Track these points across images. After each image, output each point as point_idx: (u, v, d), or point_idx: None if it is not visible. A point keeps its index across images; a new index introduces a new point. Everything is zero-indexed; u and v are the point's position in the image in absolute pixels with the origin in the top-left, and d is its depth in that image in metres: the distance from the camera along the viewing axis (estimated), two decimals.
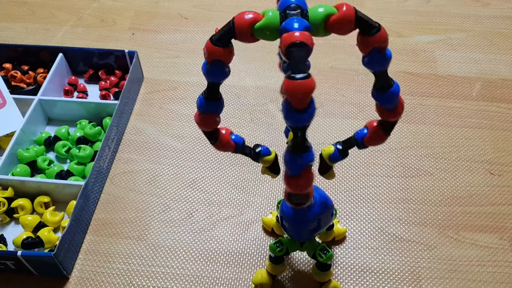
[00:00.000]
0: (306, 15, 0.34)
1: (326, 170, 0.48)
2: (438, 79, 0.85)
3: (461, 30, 0.94)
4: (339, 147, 0.45)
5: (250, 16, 0.35)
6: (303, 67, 0.31)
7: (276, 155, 0.48)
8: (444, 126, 0.77)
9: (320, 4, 0.35)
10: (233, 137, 0.45)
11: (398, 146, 0.74)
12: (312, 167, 0.40)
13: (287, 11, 0.34)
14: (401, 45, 0.91)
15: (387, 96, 0.38)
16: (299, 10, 0.34)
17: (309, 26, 0.33)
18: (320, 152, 0.47)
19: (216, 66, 0.37)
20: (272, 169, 0.49)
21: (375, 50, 0.35)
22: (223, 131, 0.44)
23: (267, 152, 0.47)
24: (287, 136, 0.51)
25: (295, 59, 0.31)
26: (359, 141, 0.44)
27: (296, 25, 0.33)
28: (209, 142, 0.44)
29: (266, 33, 0.35)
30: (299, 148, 0.35)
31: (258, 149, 0.46)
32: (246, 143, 0.47)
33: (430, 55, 0.89)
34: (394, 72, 0.85)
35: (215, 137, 0.44)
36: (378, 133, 0.42)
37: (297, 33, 0.32)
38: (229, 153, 0.74)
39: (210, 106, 0.40)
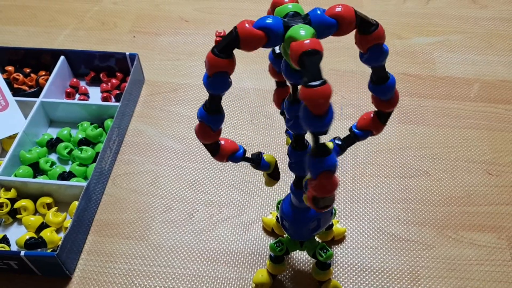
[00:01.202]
0: (308, 20, 0.34)
1: None
2: (437, 80, 0.85)
3: (460, 32, 0.95)
4: (338, 142, 0.47)
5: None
6: (318, 74, 0.31)
7: (276, 162, 0.48)
8: (443, 126, 0.78)
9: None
10: (232, 152, 0.45)
11: (397, 146, 0.75)
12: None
13: (288, 19, 0.34)
14: (400, 46, 0.92)
15: (384, 88, 0.40)
16: (300, 17, 0.34)
17: (314, 32, 0.33)
18: None
19: (220, 78, 0.35)
20: (272, 175, 0.49)
21: (374, 47, 0.37)
22: (223, 142, 0.44)
23: (265, 165, 0.47)
24: (291, 137, 0.51)
25: (309, 67, 0.31)
26: (355, 131, 0.46)
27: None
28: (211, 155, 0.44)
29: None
30: (319, 153, 0.35)
31: (258, 158, 0.47)
32: (244, 145, 0.47)
33: (429, 57, 0.90)
34: (393, 73, 0.85)
35: (215, 149, 0.43)
36: (375, 123, 0.44)
37: (307, 41, 0.31)
38: None
39: (210, 119, 0.39)
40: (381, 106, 0.43)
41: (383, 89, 0.40)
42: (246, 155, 0.46)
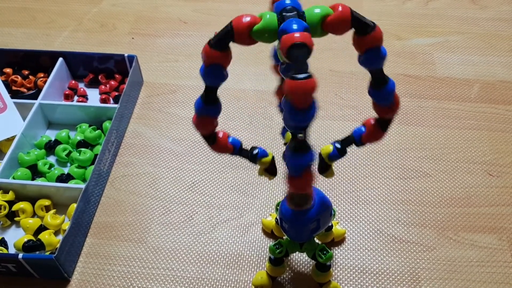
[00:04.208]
0: (303, 16, 0.35)
1: (325, 169, 0.48)
2: (437, 81, 0.85)
3: (459, 33, 0.95)
4: (338, 146, 0.46)
5: (248, 19, 0.35)
6: (304, 67, 0.32)
7: (273, 157, 0.49)
8: (443, 127, 0.77)
9: (315, 5, 0.35)
10: (230, 139, 0.46)
11: (397, 147, 0.74)
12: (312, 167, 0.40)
13: (284, 13, 0.35)
14: (399, 47, 0.92)
15: (383, 93, 0.39)
16: (295, 12, 0.34)
17: (307, 27, 0.33)
18: (318, 152, 0.47)
19: (214, 70, 0.37)
20: (269, 170, 0.49)
21: (370, 50, 0.36)
22: (221, 134, 0.45)
23: (264, 154, 0.47)
24: (284, 137, 0.51)
25: (296, 60, 0.32)
26: (356, 138, 0.44)
27: (295, 26, 0.33)
28: (207, 145, 0.44)
29: (265, 35, 0.35)
30: (300, 148, 0.35)
31: (255, 151, 0.47)
32: (244, 145, 0.47)
33: (429, 58, 0.89)
34: (392, 74, 0.86)
35: (212, 139, 0.44)
36: (375, 130, 0.43)
37: (297, 34, 0.32)
38: (228, 156, 0.75)
39: (207, 109, 0.40)
40: (381, 112, 0.42)
41: (382, 94, 0.39)
42: (244, 148, 0.47)
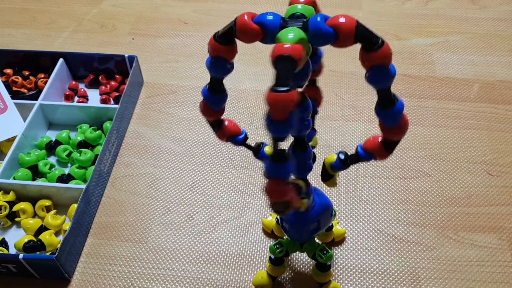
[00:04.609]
0: (307, 25, 0.33)
1: (327, 177, 0.48)
2: (436, 81, 0.85)
3: (459, 33, 0.95)
4: (342, 156, 0.45)
5: (247, 17, 0.35)
6: (286, 81, 0.30)
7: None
8: (443, 127, 0.77)
9: (320, 14, 0.34)
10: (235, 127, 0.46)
11: (397, 147, 0.74)
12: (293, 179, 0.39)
13: (288, 20, 0.34)
14: (399, 47, 0.92)
15: (389, 114, 0.36)
16: (301, 21, 0.33)
17: (303, 38, 0.32)
18: (323, 158, 0.47)
19: (218, 62, 0.38)
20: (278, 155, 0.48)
21: (376, 67, 0.33)
22: (227, 123, 0.45)
23: (264, 156, 0.48)
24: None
25: (279, 72, 0.31)
26: (360, 155, 0.43)
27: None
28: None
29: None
30: (277, 158, 0.35)
31: (257, 148, 0.48)
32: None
33: (428, 58, 0.90)
34: None
35: (218, 126, 0.45)
36: (380, 150, 0.41)
37: (287, 45, 0.31)
38: (228, 156, 0.75)
39: (213, 98, 0.41)
40: (387, 133, 0.39)
41: (389, 115, 0.37)
42: (249, 143, 0.48)
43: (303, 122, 0.41)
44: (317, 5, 0.36)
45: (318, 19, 0.33)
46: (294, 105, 0.31)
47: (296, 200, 0.40)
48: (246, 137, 0.48)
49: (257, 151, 0.48)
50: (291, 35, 0.32)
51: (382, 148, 0.40)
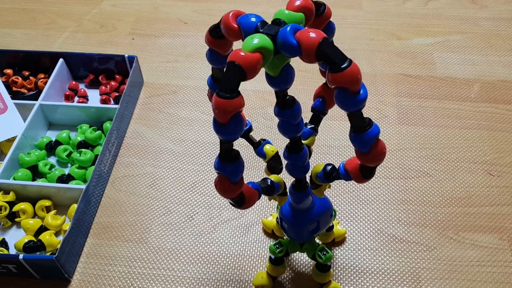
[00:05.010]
0: (281, 23, 0.33)
1: (314, 186, 0.47)
2: (437, 81, 0.85)
3: (459, 32, 0.95)
4: (327, 169, 0.44)
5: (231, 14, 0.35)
6: (230, 87, 0.30)
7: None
8: (443, 127, 0.77)
9: (293, 24, 0.32)
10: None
11: (397, 147, 0.74)
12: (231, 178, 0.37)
13: (267, 25, 0.34)
14: (399, 47, 0.92)
15: (362, 139, 0.34)
16: (277, 28, 0.32)
17: (266, 46, 0.31)
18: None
19: (212, 53, 0.39)
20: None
21: (341, 89, 0.31)
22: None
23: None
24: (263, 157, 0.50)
25: (227, 77, 0.31)
26: (341, 173, 0.41)
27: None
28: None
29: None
30: (222, 157, 0.35)
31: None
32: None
33: (429, 57, 0.89)
34: (393, 74, 0.86)
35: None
36: (357, 174, 0.38)
37: (242, 53, 0.31)
38: None
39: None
40: (361, 159, 0.36)
41: (361, 140, 0.34)
42: (252, 136, 0.48)
43: (290, 126, 0.40)
44: (313, 13, 0.35)
45: (288, 29, 0.32)
46: (235, 110, 0.31)
47: (253, 197, 0.40)
48: (249, 130, 0.48)
49: (256, 146, 0.48)
50: (254, 41, 0.31)
51: (359, 173, 0.38)
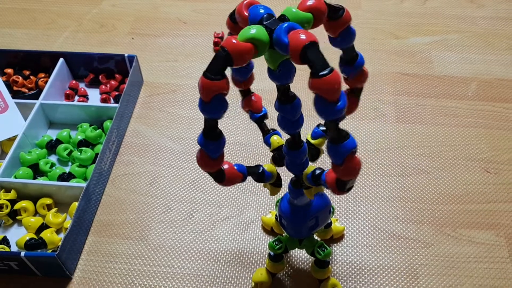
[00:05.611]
0: (286, 18, 0.34)
1: (305, 186, 0.47)
2: (435, 79, 0.86)
3: (457, 31, 0.95)
4: (316, 172, 0.44)
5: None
6: (216, 70, 0.32)
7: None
8: (441, 125, 0.78)
9: (288, 7, 0.34)
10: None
11: (395, 145, 0.75)
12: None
13: (271, 20, 0.34)
14: (397, 46, 0.92)
15: (337, 151, 0.34)
16: (278, 24, 0.33)
17: (259, 36, 0.33)
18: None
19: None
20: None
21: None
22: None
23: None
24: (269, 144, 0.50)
25: (216, 60, 0.32)
26: (322, 181, 0.41)
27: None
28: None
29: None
30: (205, 134, 0.37)
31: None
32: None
33: (426, 56, 0.90)
34: (391, 73, 0.86)
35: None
36: (333, 185, 0.38)
37: (234, 40, 0.32)
38: (228, 154, 0.75)
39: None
40: (336, 171, 0.36)
41: (336, 151, 0.34)
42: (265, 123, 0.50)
43: (289, 121, 0.40)
44: (323, 15, 0.36)
45: (284, 26, 0.32)
46: (218, 91, 0.32)
47: (234, 178, 0.42)
48: (263, 117, 0.49)
49: (264, 134, 0.50)
50: (250, 32, 0.32)
51: (335, 185, 0.37)
